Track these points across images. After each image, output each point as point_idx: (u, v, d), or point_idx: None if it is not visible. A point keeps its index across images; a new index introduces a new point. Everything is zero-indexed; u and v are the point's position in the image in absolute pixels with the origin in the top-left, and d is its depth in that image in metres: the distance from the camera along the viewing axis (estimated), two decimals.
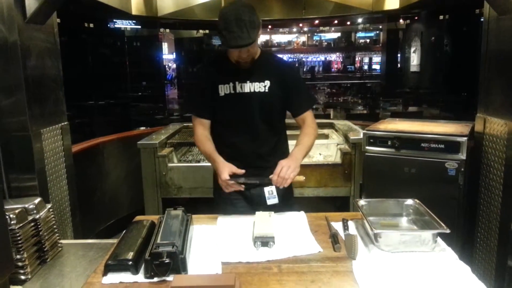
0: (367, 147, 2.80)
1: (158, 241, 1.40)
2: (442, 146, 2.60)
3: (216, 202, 2.07)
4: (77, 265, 1.85)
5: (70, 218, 2.60)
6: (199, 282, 1.26)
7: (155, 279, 1.34)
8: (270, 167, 1.97)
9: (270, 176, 1.79)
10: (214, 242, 1.59)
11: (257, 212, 1.76)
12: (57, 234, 1.95)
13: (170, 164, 3.16)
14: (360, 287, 1.27)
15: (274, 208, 1.80)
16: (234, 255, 1.48)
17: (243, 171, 1.82)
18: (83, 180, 3.30)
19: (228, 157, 1.92)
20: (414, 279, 1.29)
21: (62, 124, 2.54)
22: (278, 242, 1.56)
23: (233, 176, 1.81)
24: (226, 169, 1.82)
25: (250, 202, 1.97)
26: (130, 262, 1.38)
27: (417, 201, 1.72)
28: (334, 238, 1.57)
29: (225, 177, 1.80)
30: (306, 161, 3.00)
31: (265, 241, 1.54)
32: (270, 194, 1.97)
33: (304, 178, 1.82)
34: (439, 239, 1.50)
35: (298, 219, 1.78)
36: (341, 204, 3.22)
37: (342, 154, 3.10)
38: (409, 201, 1.73)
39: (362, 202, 1.72)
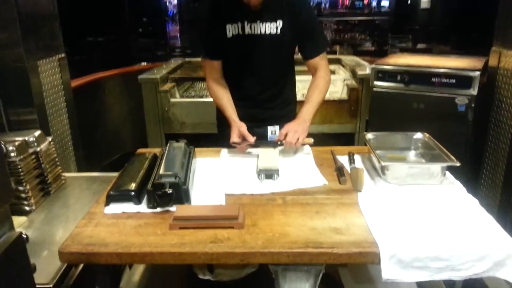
0: (375, 82, 2.71)
1: (161, 172, 1.37)
2: (453, 81, 2.50)
3: (219, 137, 2.03)
4: (81, 197, 1.85)
5: (72, 152, 2.58)
6: (202, 212, 1.25)
7: (158, 209, 1.32)
8: (276, 107, 1.91)
9: (276, 138, 1.73)
10: (217, 174, 1.57)
11: (260, 146, 1.72)
12: (59, 167, 1.94)
13: (172, 99, 3.09)
14: (366, 218, 1.25)
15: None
16: (238, 187, 1.46)
17: (253, 138, 1.74)
18: (85, 116, 3.25)
19: (235, 97, 1.88)
20: (421, 211, 1.27)
21: (60, 56, 2.45)
22: (283, 175, 1.53)
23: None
24: (236, 132, 1.76)
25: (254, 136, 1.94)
26: (133, 193, 1.36)
27: (427, 134, 1.66)
28: (339, 171, 1.54)
29: (233, 140, 1.75)
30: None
31: (269, 174, 1.51)
32: (273, 134, 1.93)
33: (313, 140, 1.76)
34: (447, 172, 1.46)
35: (303, 152, 1.75)
36: (346, 141, 3.19)
37: (348, 90, 3.01)
38: (418, 135, 1.68)
39: (369, 135, 1.67)
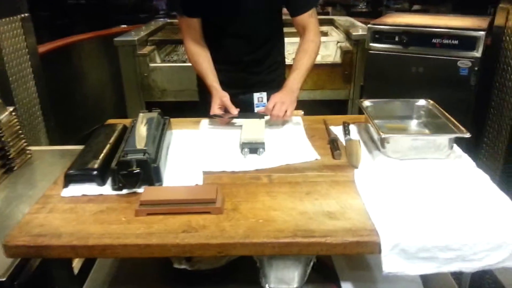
0: (371, 44, 2.50)
1: (127, 147, 1.18)
2: (456, 42, 2.31)
3: (201, 105, 1.83)
4: (48, 173, 1.65)
5: (42, 123, 2.37)
6: (173, 195, 1.07)
7: (124, 191, 1.14)
8: (263, 72, 1.71)
9: (261, 110, 1.55)
10: (195, 149, 1.38)
11: (245, 117, 1.53)
12: (23, 140, 1.73)
13: (152, 64, 2.86)
14: (363, 198, 1.09)
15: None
16: (218, 164, 1.28)
17: (236, 110, 1.56)
18: (60, 83, 3.02)
19: (217, 61, 1.67)
20: (427, 191, 1.11)
21: (22, 16, 2.19)
22: (269, 149, 1.35)
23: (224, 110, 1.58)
24: (217, 102, 1.57)
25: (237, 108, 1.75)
26: (95, 172, 1.18)
27: (431, 101, 1.48)
28: (333, 144, 1.36)
29: (213, 111, 1.56)
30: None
31: (253, 148, 1.33)
32: (260, 102, 1.74)
33: (303, 112, 1.56)
34: (455, 145, 1.29)
35: (292, 123, 1.56)
36: (338, 109, 3.00)
37: (342, 53, 2.80)
38: (421, 102, 1.50)
39: (366, 103, 1.49)
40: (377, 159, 1.27)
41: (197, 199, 1.04)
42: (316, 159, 1.31)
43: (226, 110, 1.57)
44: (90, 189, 1.16)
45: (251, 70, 1.73)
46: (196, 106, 1.95)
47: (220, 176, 1.22)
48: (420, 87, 2.40)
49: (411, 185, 1.14)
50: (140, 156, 1.15)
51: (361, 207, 1.06)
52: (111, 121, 1.65)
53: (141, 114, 1.43)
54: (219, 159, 1.30)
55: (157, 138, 1.30)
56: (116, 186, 1.15)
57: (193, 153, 1.35)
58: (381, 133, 1.23)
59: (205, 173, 1.24)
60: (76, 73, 3.39)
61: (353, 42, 2.79)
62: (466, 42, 2.27)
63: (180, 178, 1.20)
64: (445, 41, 2.32)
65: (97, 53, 3.58)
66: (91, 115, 3.53)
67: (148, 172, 1.14)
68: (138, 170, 1.11)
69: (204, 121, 1.60)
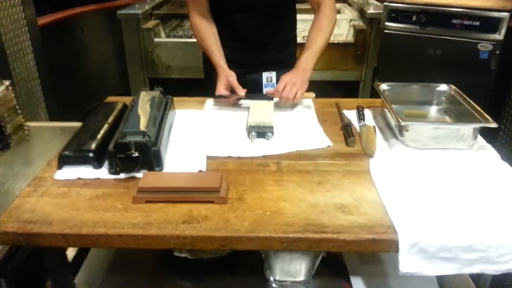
0: (386, 23, 2.37)
1: (126, 129, 1.10)
2: (477, 23, 2.18)
3: (206, 84, 1.73)
4: (45, 151, 1.58)
5: (42, 98, 2.29)
6: (174, 182, 0.99)
7: (122, 176, 1.06)
8: (272, 50, 1.60)
9: (270, 91, 1.45)
10: (199, 131, 1.29)
11: (253, 98, 1.44)
12: (21, 116, 1.65)
13: (156, 39, 2.75)
14: (379, 190, 1.01)
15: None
16: (223, 148, 1.19)
17: (243, 91, 1.47)
18: (61, 57, 2.92)
19: (224, 38, 1.57)
20: (449, 185, 1.02)
21: None
22: (278, 134, 1.26)
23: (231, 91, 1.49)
24: (223, 82, 1.48)
25: (244, 88, 1.66)
26: (91, 154, 1.10)
27: (453, 86, 1.38)
28: (346, 129, 1.27)
29: (219, 92, 1.47)
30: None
31: (261, 132, 1.24)
32: (268, 82, 1.64)
33: (314, 95, 1.46)
34: (478, 135, 1.20)
35: (303, 106, 1.46)
36: (349, 90, 2.89)
37: (355, 32, 2.67)
38: (443, 87, 1.40)
39: (383, 86, 1.39)
40: (394, 148, 1.18)
41: (200, 187, 0.96)
42: (328, 146, 1.22)
43: (232, 91, 1.47)
44: (86, 172, 1.09)
45: (260, 47, 1.63)
46: (201, 84, 1.85)
47: (225, 162, 1.14)
48: (436, 70, 2.29)
49: (431, 177, 1.05)
50: (139, 138, 1.07)
51: (377, 200, 0.98)
52: (111, 98, 1.57)
53: (142, 93, 1.34)
54: (224, 143, 1.22)
55: (159, 119, 1.22)
56: (113, 170, 1.07)
57: (197, 136, 1.26)
58: (400, 120, 1.14)
59: (209, 158, 1.15)
60: (78, 47, 3.28)
61: (367, 21, 2.66)
62: (488, 23, 2.15)
63: (182, 163, 1.12)
64: (466, 22, 2.19)
65: (100, 27, 3.46)
66: (94, 92, 3.43)
67: (147, 156, 1.06)
68: (136, 154, 1.03)
69: (209, 101, 1.51)
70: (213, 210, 0.94)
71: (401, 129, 1.17)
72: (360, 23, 2.75)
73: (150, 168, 1.08)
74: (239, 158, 1.16)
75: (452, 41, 2.23)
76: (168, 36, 2.92)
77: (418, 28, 2.28)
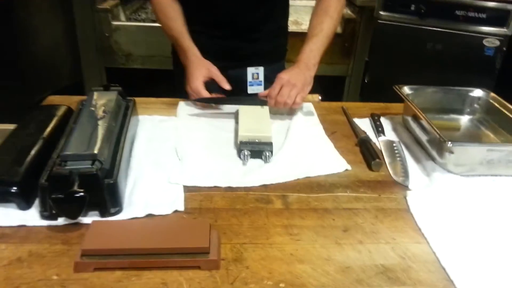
0: (381, 12, 2.10)
1: (66, 150, 0.75)
2: (483, 15, 1.94)
3: (176, 76, 1.39)
4: None
5: None
6: (138, 237, 0.66)
7: (61, 221, 0.72)
8: (261, 39, 1.28)
9: (264, 93, 1.13)
10: (171, 148, 0.96)
11: (240, 102, 1.12)
12: None
13: (115, 23, 2.35)
14: (428, 239, 0.73)
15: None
16: (206, 175, 0.87)
17: (228, 85, 1.16)
18: (4, 39, 2.47)
19: (200, 23, 1.24)
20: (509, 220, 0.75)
21: None
22: (279, 153, 0.95)
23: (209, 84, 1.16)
24: (202, 73, 1.16)
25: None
26: (15, 188, 0.75)
27: (491, 93, 1.12)
28: (366, 147, 0.98)
29: (195, 86, 1.14)
30: (294, 28, 2.28)
31: (257, 150, 0.93)
32: (255, 79, 1.33)
33: (320, 98, 1.16)
34: None
35: (303, 113, 1.15)
36: (333, 86, 2.61)
37: (343, 22, 2.39)
38: (477, 92, 1.14)
39: (407, 89, 1.10)
40: (434, 175, 0.89)
41: (179, 247, 0.64)
42: (346, 170, 0.92)
43: (209, 88, 1.15)
44: (5, 216, 0.73)
45: (246, 36, 1.30)
46: (169, 77, 1.51)
47: (210, 195, 0.82)
48: (434, 67, 2.05)
49: (493, 218, 0.78)
50: (86, 166, 0.73)
51: (431, 257, 0.70)
52: (52, 98, 1.20)
53: (93, 94, 0.99)
54: (207, 167, 0.89)
55: (116, 133, 0.88)
56: (47, 214, 0.73)
57: (169, 156, 0.93)
58: (447, 141, 0.85)
59: (187, 189, 0.83)
60: (24, 28, 2.80)
61: (357, 9, 2.38)
62: (496, 16, 1.92)
63: (150, 200, 0.79)
64: (471, 14, 1.95)
65: (49, 5, 2.99)
66: (43, 80, 2.97)
67: (99, 193, 0.73)
68: (81, 193, 0.69)
69: (183, 105, 1.17)
70: (199, 281, 0.63)
71: (443, 149, 0.89)
72: (348, 12, 2.46)
73: (103, 210, 0.74)
74: (229, 188, 0.84)
75: (454, 35, 1.99)
76: (128, 19, 2.51)
77: (417, 19, 2.02)
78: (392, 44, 2.12)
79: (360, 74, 2.39)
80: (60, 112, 1.00)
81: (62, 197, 0.68)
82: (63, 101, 1.11)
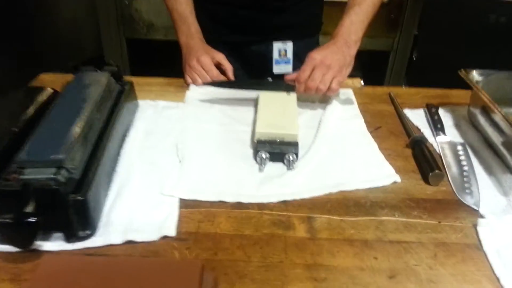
0: None
1: (24, 155, 0.58)
2: None
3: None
4: None
5: None
6: (107, 282, 0.48)
7: (8, 247, 0.55)
8: (288, 9, 1.06)
9: (291, 76, 0.89)
10: (173, 144, 0.77)
11: (258, 87, 0.91)
12: None
13: None
14: None
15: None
16: (210, 184, 0.68)
17: (231, 70, 0.98)
18: (23, 11, 2.34)
19: None
20: None
21: None
22: (306, 155, 0.74)
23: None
24: (207, 50, 1.00)
25: (246, 66, 1.13)
26: None
27: None
28: (422, 152, 0.76)
29: (204, 59, 0.97)
30: None
31: (277, 152, 0.73)
32: (282, 57, 1.12)
33: (363, 83, 0.92)
34: None
35: (340, 101, 0.93)
36: (373, 62, 2.33)
37: None
38: None
39: (476, 75, 0.86)
40: None
41: None
42: (394, 183, 0.70)
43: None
44: None
45: (269, 5, 1.08)
46: None
47: (212, 214, 0.63)
48: (496, 44, 1.74)
49: None
50: (46, 177, 0.55)
51: None
52: (43, 77, 1.03)
53: (78, 75, 0.80)
54: (212, 173, 0.70)
55: (98, 127, 0.69)
56: None
57: (169, 156, 0.74)
58: None
59: (185, 204, 0.64)
60: (41, 1, 2.67)
61: None
62: None
63: (134, 220, 0.61)
64: None
65: None
66: (66, 53, 2.85)
67: (62, 212, 0.55)
68: (33, 218, 0.51)
69: (195, 88, 0.97)
70: None
71: None
72: None
73: (69, 233, 0.57)
74: (238, 205, 0.65)
75: None
76: None
77: None
78: (446, 15, 1.82)
79: (407, 50, 2.11)
80: (43, 97, 0.82)
81: (8, 222, 0.51)
82: (55, 81, 0.93)
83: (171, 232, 0.59)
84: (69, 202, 0.55)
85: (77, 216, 0.56)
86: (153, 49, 2.32)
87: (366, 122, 0.87)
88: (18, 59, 2.12)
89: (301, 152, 0.74)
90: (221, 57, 0.99)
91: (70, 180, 0.57)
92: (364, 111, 0.91)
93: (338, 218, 0.63)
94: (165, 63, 1.45)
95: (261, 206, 0.64)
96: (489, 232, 0.60)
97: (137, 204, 0.63)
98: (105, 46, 2.32)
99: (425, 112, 0.91)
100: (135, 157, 0.72)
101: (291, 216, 0.63)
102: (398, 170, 0.73)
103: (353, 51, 0.91)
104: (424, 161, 0.73)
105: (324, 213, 0.64)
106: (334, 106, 0.89)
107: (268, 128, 0.75)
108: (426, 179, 0.71)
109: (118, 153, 0.73)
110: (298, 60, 1.06)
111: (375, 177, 0.70)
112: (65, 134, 0.62)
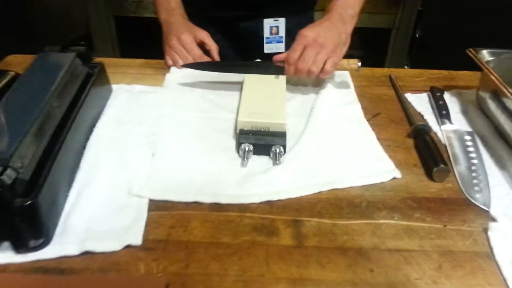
0: None
1: None
2: None
3: None
4: None
5: None
6: None
7: None
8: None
9: (280, 57, 0.80)
10: (147, 135, 0.69)
11: (242, 70, 0.82)
12: None
13: None
14: None
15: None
16: (185, 182, 0.60)
17: (217, 55, 0.90)
18: None
19: None
20: None
21: None
22: (295, 148, 0.66)
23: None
24: (190, 28, 0.90)
25: (234, 45, 1.04)
26: None
27: None
28: (425, 143, 0.67)
29: (185, 38, 0.88)
30: None
31: (263, 143, 0.64)
32: (273, 35, 1.04)
33: (359, 64, 0.82)
34: None
35: (335, 85, 0.84)
36: (373, 40, 2.22)
37: None
38: None
39: (486, 54, 0.77)
40: None
41: None
42: (394, 179, 0.63)
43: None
44: None
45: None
46: None
47: (186, 217, 0.55)
48: (508, 21, 1.63)
49: None
50: None
51: None
52: (12, 59, 0.94)
53: (40, 56, 0.72)
54: (188, 169, 0.62)
55: (58, 118, 0.61)
56: None
57: (140, 148, 0.66)
58: None
59: (155, 205, 0.56)
60: None
61: None
62: None
63: (95, 226, 0.53)
64: None
65: None
66: (52, 32, 2.73)
67: (8, 219, 0.47)
68: None
69: (176, 71, 0.88)
70: None
71: None
72: None
73: (18, 243, 0.49)
74: (216, 206, 0.57)
75: None
76: None
77: None
78: None
79: (410, 27, 2.00)
80: (2, 82, 0.74)
81: None
82: (23, 64, 0.85)
83: (137, 240, 0.51)
84: (15, 207, 0.47)
85: (26, 224, 0.48)
86: (143, 27, 2.21)
87: (364, 108, 0.78)
88: (18, 31, 2.02)
89: (289, 143, 0.66)
90: (204, 35, 0.90)
91: (18, 182, 0.49)
92: (362, 96, 0.82)
93: (329, 221, 0.55)
94: (157, 42, 1.37)
95: (242, 208, 0.57)
96: (501, 238, 0.53)
97: (99, 207, 0.55)
98: (93, 24, 2.21)
99: (428, 96, 0.82)
100: (102, 151, 0.64)
101: (275, 219, 0.55)
102: (398, 164, 0.65)
103: (350, 27, 0.82)
104: (428, 154, 0.65)
105: (314, 216, 0.56)
106: (328, 91, 0.81)
107: (252, 117, 0.66)
108: (429, 175, 0.63)
109: (83, 147, 0.64)
110: (292, 39, 0.97)
111: (372, 172, 0.62)
112: (14, 127, 0.54)
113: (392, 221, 0.56)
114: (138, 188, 0.58)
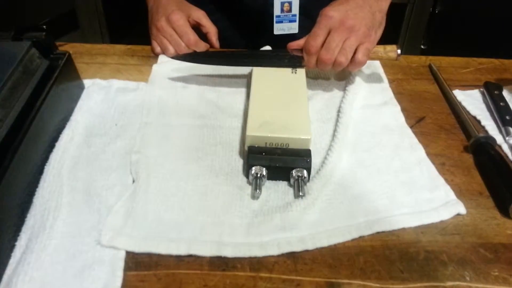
0: None
1: None
2: None
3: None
4: None
5: None
6: None
7: None
8: None
9: (297, 43, 0.62)
10: (120, 158, 0.52)
11: (250, 62, 0.65)
12: None
13: None
14: None
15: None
16: (174, 226, 0.44)
17: (217, 41, 0.75)
18: None
19: None
20: None
21: None
22: (322, 170, 0.50)
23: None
24: (182, 8, 0.73)
25: (238, 26, 0.87)
26: None
27: None
28: (490, 159, 0.51)
29: (177, 19, 0.71)
30: None
31: (279, 166, 0.48)
32: (285, 13, 0.86)
33: (399, 51, 0.64)
34: None
35: (366, 80, 0.67)
36: (391, 18, 2.03)
37: None
38: None
39: None
40: None
41: None
42: (458, 215, 0.47)
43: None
44: None
45: None
46: None
47: (178, 279, 0.39)
48: None
49: None
50: None
51: None
52: None
53: None
54: (179, 208, 0.46)
55: (6, 126, 0.44)
56: None
57: (113, 177, 0.49)
58: None
59: (134, 260, 0.40)
60: None
61: None
62: None
63: (63, 271, 0.37)
64: None
65: None
66: (36, 7, 2.53)
67: None
68: None
69: (164, 64, 0.71)
70: None
71: None
72: None
73: None
74: (219, 262, 0.41)
75: None
76: None
77: None
78: None
79: (429, 1, 1.81)
80: None
81: None
82: None
83: None
84: None
85: None
86: (134, 3, 2.01)
87: (403, 110, 0.62)
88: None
89: (313, 164, 0.49)
90: (200, 15, 0.72)
91: None
92: (399, 93, 0.65)
93: (378, 285, 0.40)
94: (146, 21, 1.19)
95: (255, 265, 0.41)
96: None
97: (55, 268, 0.39)
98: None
99: (482, 94, 0.66)
100: (63, 178, 0.48)
101: (302, 282, 0.40)
102: (459, 193, 0.49)
103: (385, 4, 0.65)
104: (500, 180, 0.49)
105: (355, 276, 0.40)
106: (358, 87, 0.64)
107: (264, 130, 0.50)
108: (502, 208, 0.47)
109: (39, 172, 0.48)
110: (307, 17, 0.80)
111: (427, 206, 0.47)
112: None
113: (463, 283, 0.40)
114: (112, 235, 0.42)
